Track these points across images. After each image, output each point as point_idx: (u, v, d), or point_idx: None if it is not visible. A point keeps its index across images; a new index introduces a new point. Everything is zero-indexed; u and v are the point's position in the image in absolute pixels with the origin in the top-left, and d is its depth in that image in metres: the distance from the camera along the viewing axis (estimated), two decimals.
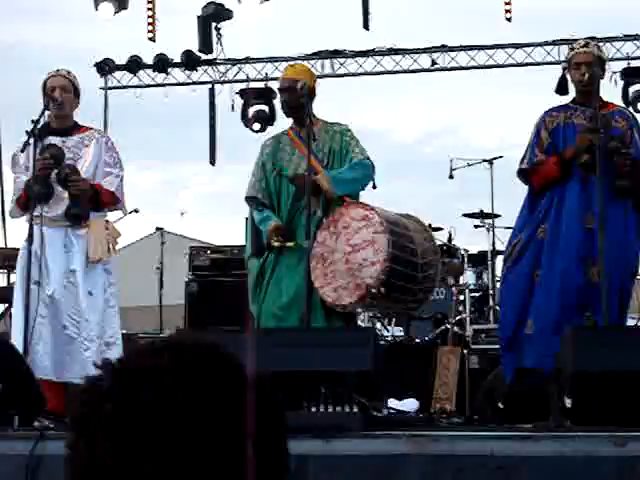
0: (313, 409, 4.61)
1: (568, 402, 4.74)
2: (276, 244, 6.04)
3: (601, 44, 11.60)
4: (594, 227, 5.56)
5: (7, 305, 9.41)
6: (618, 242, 5.56)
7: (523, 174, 5.99)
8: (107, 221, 6.22)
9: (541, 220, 5.81)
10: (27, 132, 5.82)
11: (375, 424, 4.63)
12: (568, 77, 5.96)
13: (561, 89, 6.04)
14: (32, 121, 5.85)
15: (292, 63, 6.73)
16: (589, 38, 11.69)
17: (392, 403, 5.51)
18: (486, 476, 4.28)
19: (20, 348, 5.56)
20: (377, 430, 4.53)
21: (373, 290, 5.70)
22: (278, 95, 6.63)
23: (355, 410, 4.58)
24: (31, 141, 5.80)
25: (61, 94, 6.10)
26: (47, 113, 6.08)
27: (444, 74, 12.85)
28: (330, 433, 4.46)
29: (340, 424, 4.51)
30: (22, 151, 5.91)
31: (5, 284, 9.64)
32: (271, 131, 12.34)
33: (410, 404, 5.81)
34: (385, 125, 48.80)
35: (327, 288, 5.85)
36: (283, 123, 6.40)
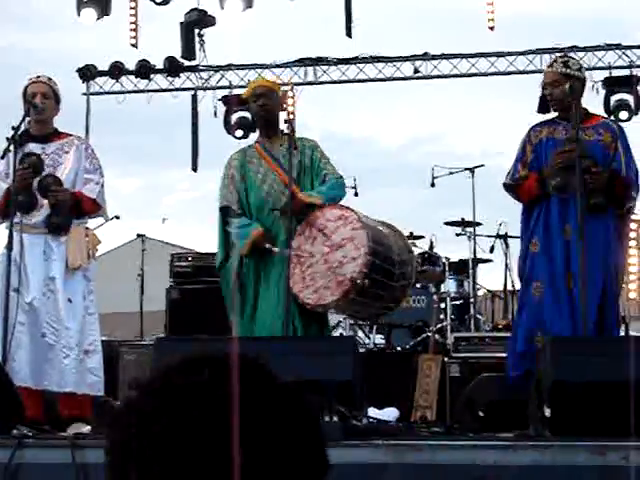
0: None
1: (547, 412, 4.75)
2: (267, 245, 6.11)
3: (582, 54, 11.85)
4: (572, 239, 5.68)
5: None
6: (598, 255, 5.65)
7: (508, 188, 6.08)
8: (87, 228, 6.17)
9: (532, 233, 5.93)
10: (7, 139, 5.82)
11: (355, 433, 4.61)
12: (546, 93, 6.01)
13: (542, 108, 6.11)
14: (12, 128, 5.83)
15: (259, 78, 6.75)
16: (571, 47, 11.82)
17: (372, 412, 5.50)
18: None
19: None
20: (357, 439, 4.52)
21: (358, 282, 5.78)
22: (253, 104, 6.56)
23: (335, 419, 4.56)
24: (11, 148, 5.80)
25: (42, 101, 6.10)
26: (27, 119, 6.04)
27: (429, 82, 12.87)
28: None
29: None
30: (2, 158, 5.86)
31: None
32: (254, 137, 12.42)
33: (390, 413, 5.81)
34: (370, 132, 48.97)
35: (306, 291, 5.93)
36: None
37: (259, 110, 6.49)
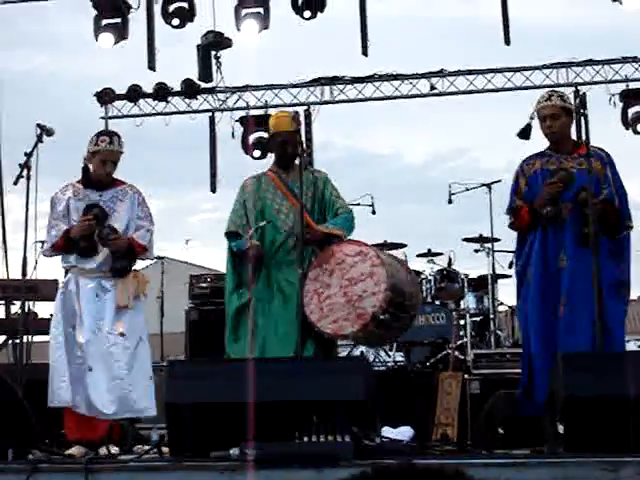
0: (305, 439, 4.60)
1: (561, 428, 4.73)
2: (250, 253, 6.37)
3: (599, 67, 11.83)
4: (566, 266, 5.99)
5: (6, 337, 9.46)
6: (588, 280, 5.73)
7: (509, 222, 6.37)
8: (135, 270, 6.56)
9: (526, 263, 6.17)
10: (20, 165, 6.01)
11: (367, 453, 4.61)
12: (533, 125, 6.29)
13: (524, 135, 6.36)
14: (25, 154, 5.98)
15: (280, 113, 6.86)
16: (587, 61, 11.81)
17: (386, 431, 5.49)
18: None
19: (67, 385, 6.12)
20: (368, 459, 4.51)
21: (380, 317, 6.14)
22: (274, 141, 6.77)
23: (347, 439, 4.56)
24: (24, 174, 5.95)
25: (110, 170, 6.50)
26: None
27: (451, 98, 12.86)
28: (322, 462, 4.46)
29: (331, 454, 4.50)
30: (15, 184, 6.10)
31: (4, 316, 9.67)
32: (271, 158, 12.45)
33: (405, 432, 5.80)
34: (394, 149, 48.99)
35: (324, 321, 6.24)
36: None
37: (283, 157, 6.72)
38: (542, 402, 5.69)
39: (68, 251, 6.41)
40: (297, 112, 6.48)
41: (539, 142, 6.44)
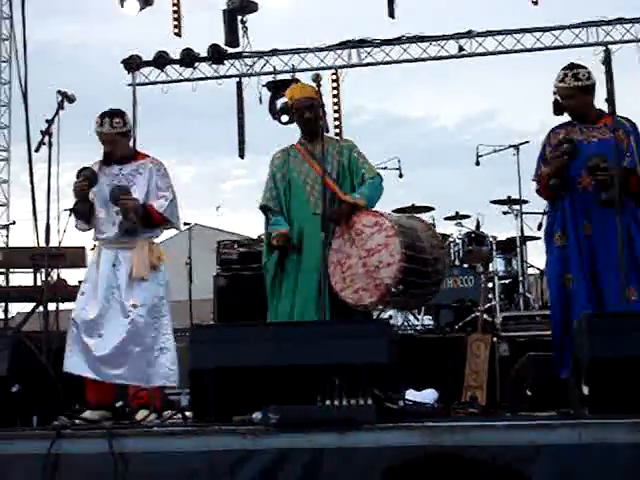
0: (327, 402, 4.58)
1: (586, 390, 4.69)
2: (274, 242, 6.58)
3: (629, 25, 11.67)
4: (592, 234, 6.09)
5: (35, 304, 9.54)
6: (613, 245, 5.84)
7: (536, 189, 6.43)
8: (152, 242, 6.64)
9: (555, 226, 6.27)
10: (41, 132, 6.06)
11: (389, 416, 4.59)
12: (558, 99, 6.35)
13: (557, 111, 6.39)
14: (46, 121, 6.04)
15: (298, 84, 6.90)
16: (617, 19, 11.66)
17: (410, 394, 5.47)
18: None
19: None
20: (391, 422, 4.50)
21: (393, 289, 6.29)
22: (294, 112, 6.85)
23: (369, 402, 4.55)
24: (45, 140, 6.00)
25: (110, 148, 6.61)
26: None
27: (482, 59, 12.75)
28: (344, 426, 4.44)
29: (354, 417, 4.48)
30: (36, 150, 6.19)
31: (33, 284, 9.77)
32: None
33: (429, 395, 5.78)
34: (427, 111, 48.74)
35: (348, 291, 6.43)
36: None
37: (304, 122, 6.76)
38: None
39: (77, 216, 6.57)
40: (318, 74, 6.40)
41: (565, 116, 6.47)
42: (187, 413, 5.21)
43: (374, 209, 6.67)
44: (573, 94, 6.24)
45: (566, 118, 6.42)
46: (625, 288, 5.75)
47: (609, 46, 11.48)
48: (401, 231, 6.44)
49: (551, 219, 6.36)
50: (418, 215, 10.60)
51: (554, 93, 6.35)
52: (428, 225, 7.15)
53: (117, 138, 6.57)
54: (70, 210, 6.47)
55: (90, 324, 6.36)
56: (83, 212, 6.51)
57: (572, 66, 6.34)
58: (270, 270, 6.76)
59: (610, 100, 5.81)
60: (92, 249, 6.84)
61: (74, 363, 6.30)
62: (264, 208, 6.82)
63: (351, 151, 6.80)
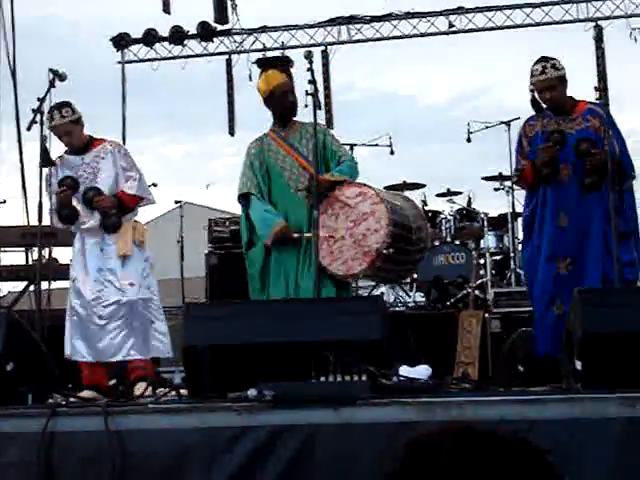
0: (322, 378, 4.61)
1: (578, 365, 4.72)
2: (296, 235, 6.59)
3: (619, 0, 11.66)
4: (565, 226, 6.33)
5: (27, 283, 9.52)
6: (597, 229, 6.18)
7: (517, 182, 6.94)
8: (135, 221, 6.87)
9: (532, 217, 6.51)
10: (33, 110, 6.10)
11: (384, 392, 4.61)
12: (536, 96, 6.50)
13: (536, 107, 6.56)
14: (37, 99, 6.05)
15: (268, 72, 6.90)
16: None
17: (403, 370, 5.49)
18: None
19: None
20: (385, 398, 4.52)
21: (384, 252, 6.42)
22: (273, 99, 6.86)
23: (364, 379, 4.57)
24: (37, 119, 6.02)
25: (67, 140, 6.77)
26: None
27: (473, 35, 12.73)
28: (339, 402, 4.46)
29: (348, 393, 4.50)
30: (28, 129, 6.33)
31: (25, 263, 9.74)
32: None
33: (422, 371, 5.79)
34: (416, 89, 48.64)
35: (336, 264, 6.55)
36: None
37: (287, 107, 6.83)
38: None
39: (62, 220, 6.81)
40: (310, 51, 6.39)
41: None
42: (181, 390, 5.22)
43: (357, 181, 6.79)
44: (555, 85, 6.37)
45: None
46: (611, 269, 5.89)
47: (600, 23, 11.48)
48: (386, 199, 6.60)
49: (528, 211, 6.56)
50: (409, 192, 10.72)
51: (531, 90, 6.48)
52: (408, 198, 7.43)
53: (71, 127, 6.71)
54: (57, 216, 6.73)
55: (89, 306, 6.56)
56: (71, 218, 6.74)
57: (546, 58, 6.45)
58: (258, 259, 6.76)
59: (602, 76, 5.84)
60: None
61: (78, 350, 6.56)
62: (245, 196, 6.82)
63: (325, 135, 6.91)
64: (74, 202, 6.72)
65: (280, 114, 6.89)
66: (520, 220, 10.63)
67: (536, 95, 6.48)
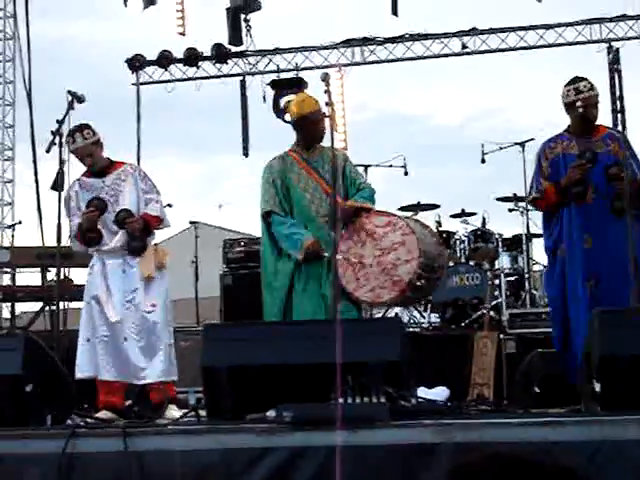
0: (340, 400, 4.61)
1: (597, 386, 4.71)
2: (324, 254, 6.55)
3: (632, 22, 11.68)
4: (590, 247, 6.31)
5: (43, 304, 9.56)
6: (620, 254, 6.03)
7: (534, 202, 6.70)
8: (155, 244, 6.90)
9: (558, 239, 6.45)
10: (52, 132, 6.11)
11: (402, 414, 4.61)
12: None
13: (585, 125, 6.48)
14: (57, 121, 6.06)
15: (300, 96, 6.93)
16: (620, 16, 11.68)
17: (422, 392, 5.50)
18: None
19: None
20: (404, 420, 4.52)
21: (418, 283, 6.52)
22: (302, 124, 6.85)
23: (382, 400, 4.57)
24: (56, 141, 6.05)
25: (90, 162, 6.75)
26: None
27: (485, 56, 12.76)
28: (357, 424, 4.46)
29: (367, 415, 4.50)
30: (47, 151, 6.31)
31: (40, 283, 9.78)
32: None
33: (440, 392, 5.81)
34: (428, 109, 48.72)
35: (362, 290, 6.59)
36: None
37: (318, 136, 6.81)
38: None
39: (85, 242, 6.78)
40: (327, 73, 6.41)
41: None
42: (200, 412, 5.23)
43: (384, 210, 6.84)
44: (597, 102, 6.46)
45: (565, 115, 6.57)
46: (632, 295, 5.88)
47: (615, 44, 11.50)
48: (415, 230, 6.65)
49: (553, 232, 6.51)
50: (423, 212, 10.74)
51: (572, 101, 6.43)
52: (425, 224, 7.43)
53: (93, 149, 6.71)
54: (81, 238, 6.72)
55: (114, 328, 6.58)
56: (95, 241, 6.74)
57: (582, 77, 6.49)
58: (286, 273, 6.70)
59: (619, 97, 5.86)
60: None
61: (107, 370, 6.54)
62: (269, 213, 6.78)
63: (345, 161, 6.95)
64: (98, 225, 6.74)
65: (307, 140, 6.88)
66: (535, 241, 10.67)
67: (581, 110, 6.43)
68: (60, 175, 6.49)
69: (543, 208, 6.66)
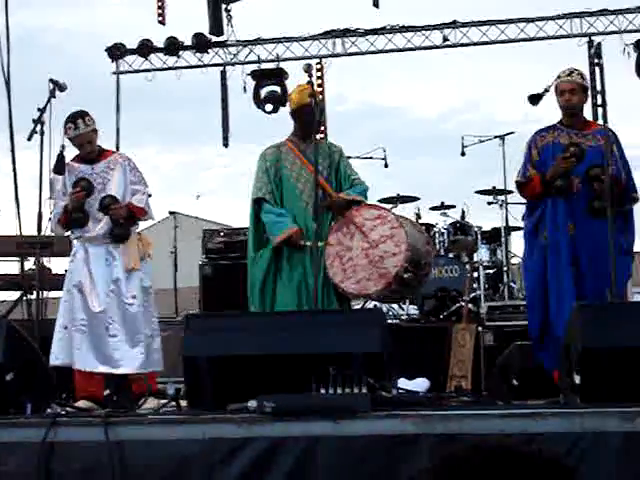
0: (322, 391, 4.62)
1: (577, 379, 4.74)
2: (304, 243, 6.66)
3: (613, 16, 11.73)
4: (575, 234, 6.40)
5: (21, 292, 9.51)
6: (603, 247, 6.11)
7: (518, 186, 6.76)
8: (139, 234, 6.94)
9: (540, 224, 6.55)
10: (33, 120, 6.09)
11: (383, 405, 4.63)
12: (547, 95, 6.69)
13: (533, 101, 6.78)
14: (38, 109, 6.03)
15: (301, 86, 7.02)
16: (601, 11, 11.73)
17: (402, 383, 5.52)
18: None
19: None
20: (385, 411, 4.53)
21: (405, 276, 6.56)
22: (299, 114, 6.98)
23: (364, 391, 4.59)
24: (37, 129, 6.04)
25: (89, 148, 6.81)
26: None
27: (466, 49, 12.75)
28: (339, 414, 4.47)
29: (348, 405, 4.52)
30: (28, 139, 6.20)
31: (19, 271, 9.73)
32: (284, 111, 12.40)
33: (421, 383, 5.83)
34: (407, 102, 48.75)
35: (348, 282, 6.65)
36: None
37: (309, 124, 6.86)
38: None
39: (69, 225, 6.81)
40: (309, 65, 6.45)
41: (547, 109, 6.69)
42: (181, 402, 5.23)
43: (374, 203, 7.03)
44: (576, 89, 6.55)
45: (545, 107, 6.75)
46: (608, 287, 5.94)
47: (595, 38, 11.51)
48: (403, 224, 6.73)
49: (534, 219, 6.59)
50: (403, 205, 10.76)
51: (546, 90, 6.65)
52: (414, 222, 7.64)
53: (93, 136, 6.78)
54: (64, 219, 6.72)
55: (97, 318, 6.57)
56: (80, 222, 6.74)
57: (575, 69, 6.65)
58: (263, 263, 6.82)
59: (602, 93, 5.94)
60: None
61: (89, 360, 6.53)
62: (259, 200, 6.89)
63: (341, 156, 7.06)
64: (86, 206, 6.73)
65: (304, 130, 6.98)
66: (514, 234, 10.72)
67: (545, 95, 6.67)
68: (61, 158, 6.51)
69: (527, 195, 6.75)
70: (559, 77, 6.61)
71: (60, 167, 6.54)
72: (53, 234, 7.08)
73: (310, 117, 6.81)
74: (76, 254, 6.75)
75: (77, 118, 6.64)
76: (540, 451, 1.57)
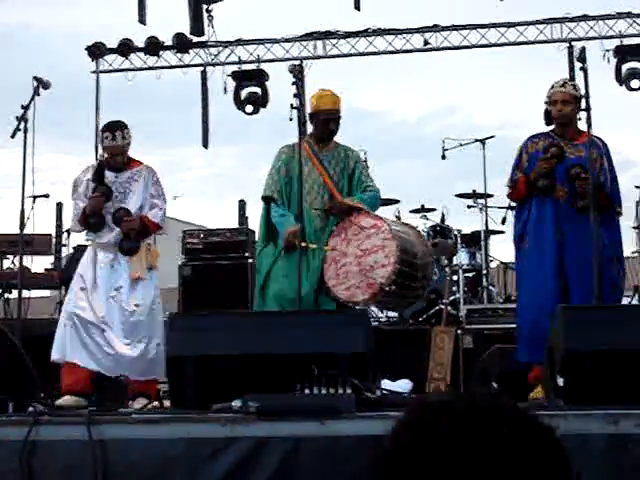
0: (306, 391, 4.62)
1: (561, 381, 4.76)
2: (304, 244, 6.67)
3: (593, 22, 11.80)
4: (560, 241, 6.43)
5: (1, 291, 9.47)
6: (590, 249, 6.10)
7: (508, 192, 6.88)
8: (149, 244, 7.00)
9: (524, 229, 6.62)
10: (17, 118, 6.06)
11: (368, 405, 4.63)
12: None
13: (548, 121, 6.82)
14: (22, 107, 6.00)
15: (323, 91, 7.21)
16: (581, 17, 11.80)
17: (385, 384, 5.53)
18: None
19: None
20: (369, 411, 4.54)
21: (386, 288, 6.57)
22: (317, 118, 7.09)
23: (348, 392, 4.59)
24: (21, 127, 6.02)
25: (120, 159, 6.91)
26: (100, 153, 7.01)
27: (446, 53, 12.79)
28: (323, 415, 4.47)
29: (333, 406, 4.52)
30: (12, 137, 6.17)
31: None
32: (264, 113, 12.41)
33: (404, 385, 5.84)
34: (387, 105, 48.78)
35: (340, 287, 6.73)
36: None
37: (327, 132, 7.09)
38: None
39: (85, 227, 6.89)
40: (295, 65, 6.50)
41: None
42: (165, 401, 5.22)
43: (377, 214, 7.02)
44: (570, 100, 6.62)
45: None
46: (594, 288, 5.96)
47: (575, 43, 11.58)
48: (398, 236, 6.76)
49: (521, 222, 6.66)
50: (383, 207, 10.75)
51: (546, 102, 6.71)
52: (419, 233, 7.57)
53: (127, 149, 6.91)
54: (83, 220, 6.81)
55: (97, 322, 6.60)
56: (98, 227, 6.81)
57: (568, 79, 6.87)
58: (266, 259, 6.96)
59: (586, 97, 6.01)
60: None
61: (81, 357, 6.56)
62: (268, 198, 7.03)
63: (356, 162, 7.19)
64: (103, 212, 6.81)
65: (318, 135, 7.14)
66: (493, 238, 10.76)
67: (549, 107, 6.70)
68: (101, 169, 6.77)
69: (516, 198, 6.85)
70: (552, 87, 6.69)
71: (100, 177, 6.70)
72: (76, 230, 7.14)
73: (322, 124, 7.02)
74: (87, 257, 6.82)
75: (116, 130, 6.76)
76: (523, 410, 1.49)
